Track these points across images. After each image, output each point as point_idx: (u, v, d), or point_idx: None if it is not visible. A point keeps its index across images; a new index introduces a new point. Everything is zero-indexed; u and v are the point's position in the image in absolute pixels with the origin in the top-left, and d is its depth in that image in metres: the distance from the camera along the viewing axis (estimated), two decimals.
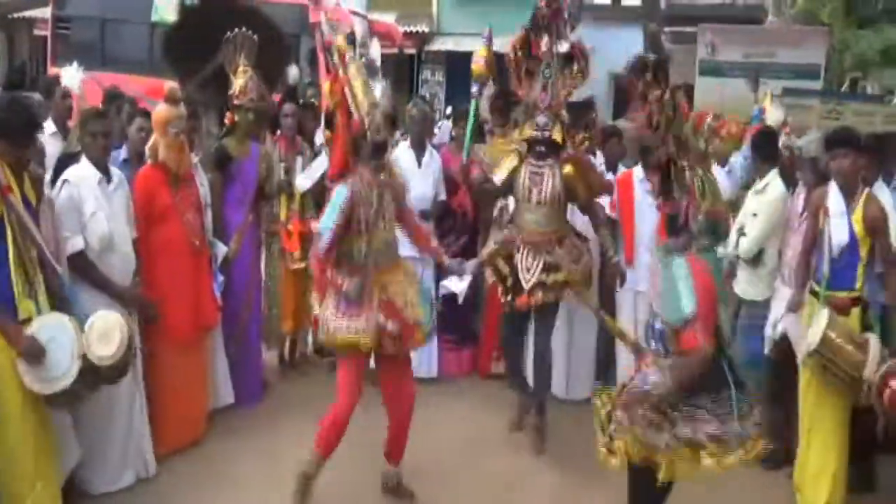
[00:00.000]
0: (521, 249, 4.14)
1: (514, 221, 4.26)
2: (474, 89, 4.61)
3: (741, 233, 4.17)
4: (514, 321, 4.30)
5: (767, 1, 17.88)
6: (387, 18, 13.74)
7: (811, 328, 3.37)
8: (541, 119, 4.10)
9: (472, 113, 4.61)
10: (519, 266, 4.10)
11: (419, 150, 5.11)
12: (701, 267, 2.72)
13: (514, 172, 4.19)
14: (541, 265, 4.09)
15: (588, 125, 4.33)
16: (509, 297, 4.13)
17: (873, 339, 3.30)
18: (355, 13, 11.96)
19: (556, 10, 4.15)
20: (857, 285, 3.46)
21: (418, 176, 4.92)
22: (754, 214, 4.16)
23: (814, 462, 3.60)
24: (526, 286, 4.06)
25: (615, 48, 16.23)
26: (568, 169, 4.13)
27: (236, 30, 4.52)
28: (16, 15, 14.74)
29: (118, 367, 3.17)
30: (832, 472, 3.53)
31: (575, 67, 4.21)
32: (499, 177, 4.21)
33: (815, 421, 3.59)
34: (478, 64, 4.56)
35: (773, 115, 5.74)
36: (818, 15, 15.09)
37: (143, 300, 3.72)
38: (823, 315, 3.36)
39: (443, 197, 5.14)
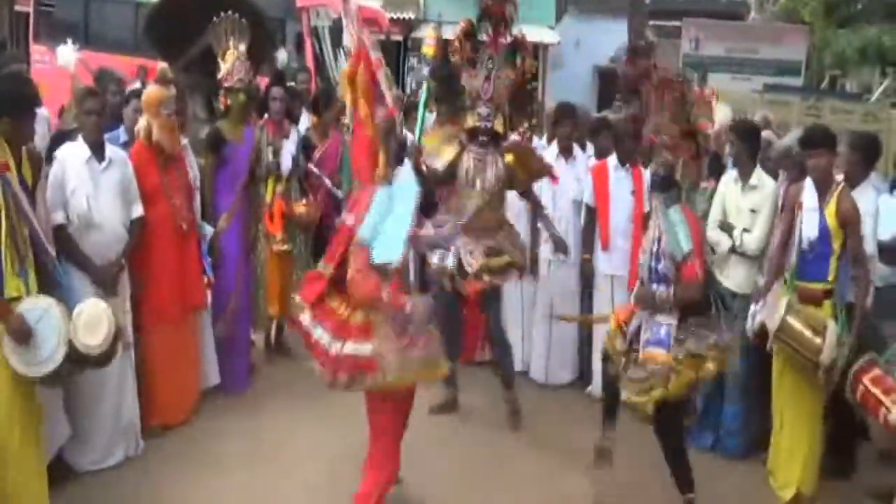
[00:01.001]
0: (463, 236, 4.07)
1: (454, 208, 4.18)
2: (424, 71, 4.63)
3: (744, 229, 4.15)
4: (448, 302, 4.15)
5: None
6: (373, 4, 13.69)
7: (773, 314, 3.49)
8: (483, 110, 4.18)
9: (424, 95, 4.56)
10: (461, 251, 4.06)
11: None
12: (691, 213, 3.47)
13: (455, 160, 4.22)
14: (483, 250, 4.14)
15: (531, 114, 4.48)
16: (453, 282, 4.06)
17: (831, 325, 3.41)
18: None
19: (501, 1, 4.18)
20: (830, 277, 3.56)
21: None
22: (752, 210, 4.15)
23: (786, 446, 3.72)
24: (471, 270, 4.08)
25: (600, 41, 16.42)
26: (510, 157, 4.23)
27: (223, 13, 4.50)
28: None
29: (104, 355, 3.19)
30: (804, 456, 3.65)
31: (519, 59, 4.26)
32: (440, 163, 4.20)
33: (787, 405, 3.70)
34: (429, 45, 4.60)
35: (720, 113, 5.75)
36: (799, 13, 15.28)
37: (114, 279, 3.65)
38: (783, 301, 3.48)
39: None
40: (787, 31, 13.00)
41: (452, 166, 4.21)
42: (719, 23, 13.15)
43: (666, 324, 3.36)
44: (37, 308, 3.05)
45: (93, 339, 3.09)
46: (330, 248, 3.17)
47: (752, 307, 3.81)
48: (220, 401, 4.50)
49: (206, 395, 4.49)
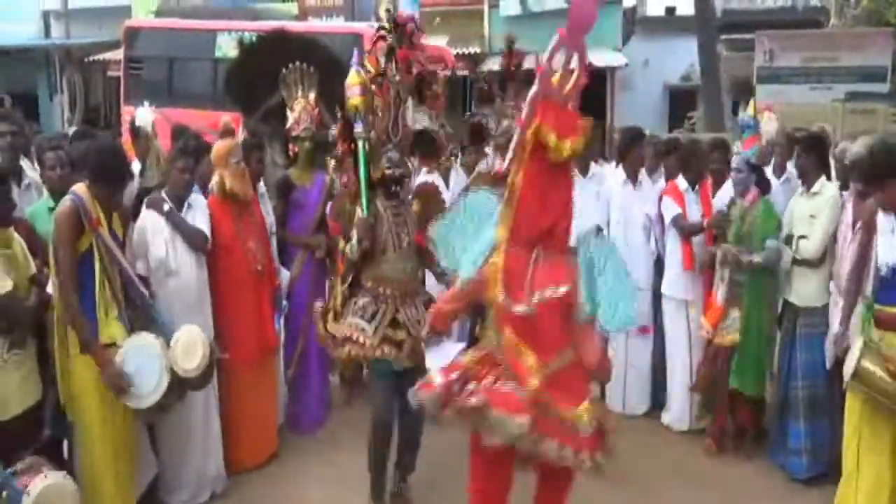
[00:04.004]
0: (394, 302, 3.61)
1: (375, 273, 3.64)
2: (358, 128, 3.64)
3: (801, 236, 4.06)
4: (390, 380, 3.62)
5: (830, 3, 17.39)
6: (439, 42, 13.96)
7: (849, 355, 3.28)
8: (393, 155, 3.64)
9: (361, 157, 3.65)
10: (405, 320, 3.58)
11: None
12: None
13: (373, 220, 3.61)
14: (423, 312, 3.56)
15: (441, 154, 4.31)
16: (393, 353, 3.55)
17: None
18: None
19: (405, 32, 3.66)
20: None
21: None
22: (812, 216, 4.06)
23: (865, 482, 3.37)
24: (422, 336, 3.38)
25: (669, 59, 16.19)
26: (416, 206, 3.79)
27: (291, 64, 4.69)
28: (91, 58, 15.62)
29: (202, 377, 3.44)
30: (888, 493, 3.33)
31: (428, 93, 3.79)
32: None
33: (868, 445, 3.36)
34: (353, 95, 3.62)
35: (768, 126, 5.52)
36: (884, 15, 14.60)
37: None
38: (858, 342, 3.24)
39: None
40: (870, 35, 12.43)
41: (366, 230, 3.57)
42: (794, 33, 12.74)
43: None
44: (138, 346, 3.31)
45: (190, 363, 3.34)
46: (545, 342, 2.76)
47: (831, 331, 3.62)
48: (296, 440, 4.60)
49: (287, 434, 4.60)
